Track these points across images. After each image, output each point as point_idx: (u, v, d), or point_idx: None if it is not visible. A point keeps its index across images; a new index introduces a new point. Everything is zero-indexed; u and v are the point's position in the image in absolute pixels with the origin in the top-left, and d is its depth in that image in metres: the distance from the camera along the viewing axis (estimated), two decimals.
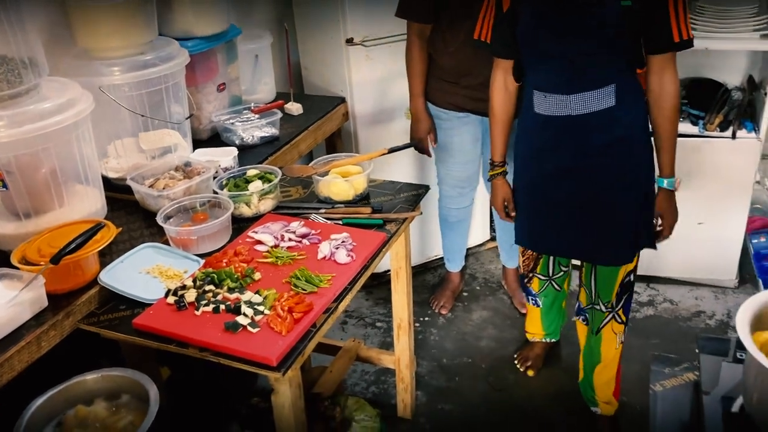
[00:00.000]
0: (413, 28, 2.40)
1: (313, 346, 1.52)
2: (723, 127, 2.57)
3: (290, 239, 1.76)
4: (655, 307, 2.80)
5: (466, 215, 2.80)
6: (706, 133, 2.58)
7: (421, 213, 2.03)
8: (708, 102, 2.62)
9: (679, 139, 1.84)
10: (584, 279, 2.12)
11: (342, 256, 1.69)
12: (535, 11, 1.74)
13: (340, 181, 1.97)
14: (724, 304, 2.77)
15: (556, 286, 2.30)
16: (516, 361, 2.54)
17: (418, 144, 2.57)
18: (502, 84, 1.94)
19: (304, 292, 1.56)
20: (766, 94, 2.51)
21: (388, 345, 2.67)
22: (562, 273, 2.27)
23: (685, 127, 2.58)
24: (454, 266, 2.94)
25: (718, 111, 2.59)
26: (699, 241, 2.72)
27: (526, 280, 2.33)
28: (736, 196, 2.64)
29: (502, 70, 1.94)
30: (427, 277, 3.13)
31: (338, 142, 2.76)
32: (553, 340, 2.51)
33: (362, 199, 2.00)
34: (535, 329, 2.48)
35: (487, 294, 2.99)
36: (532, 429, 2.29)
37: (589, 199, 1.86)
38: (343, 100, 2.70)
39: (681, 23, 1.68)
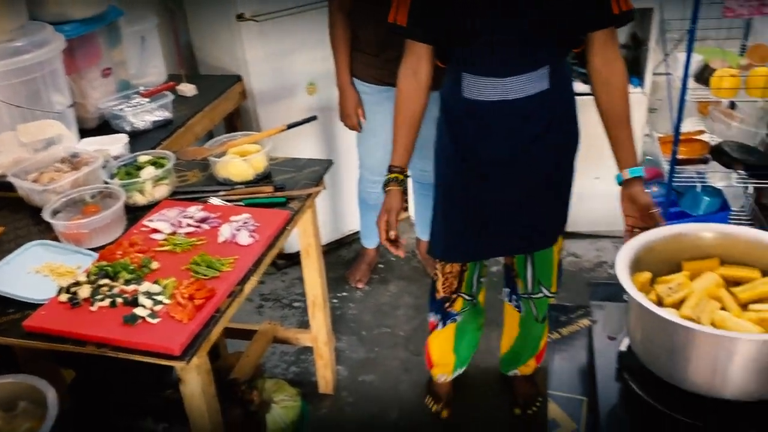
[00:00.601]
0: (334, 2, 2.36)
1: (218, 331, 1.48)
2: None
3: (188, 225, 1.70)
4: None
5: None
6: None
7: (325, 188, 2.01)
8: None
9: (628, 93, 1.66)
10: (519, 270, 2.00)
11: (244, 238, 1.65)
12: None
13: (238, 161, 1.92)
14: None
15: (475, 301, 2.10)
16: (428, 403, 2.28)
17: (346, 120, 2.53)
18: (412, 72, 1.68)
19: (205, 277, 1.52)
20: (648, 50, 2.63)
21: (307, 324, 2.63)
22: (480, 285, 2.07)
23: (575, 85, 2.66)
24: (370, 243, 2.94)
25: None
26: (597, 195, 2.84)
27: (447, 304, 2.02)
28: None
29: (414, 56, 1.67)
30: (343, 252, 3.13)
31: (238, 122, 2.69)
32: (463, 368, 2.24)
33: (263, 178, 1.96)
34: (444, 359, 2.17)
35: (402, 264, 3.02)
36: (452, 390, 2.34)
37: (527, 187, 1.73)
38: (239, 78, 2.63)
39: None
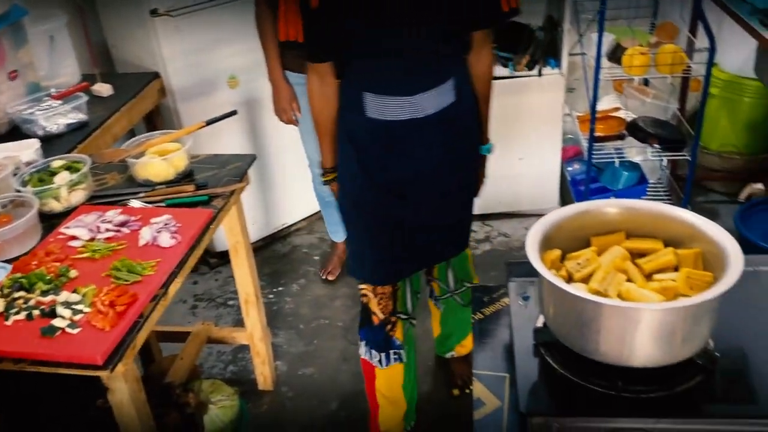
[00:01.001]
0: (260, 4, 2.30)
1: (143, 337, 1.45)
2: (530, 66, 2.74)
3: (107, 230, 1.66)
4: (491, 242, 2.97)
5: None
6: (516, 73, 2.74)
7: (249, 183, 1.99)
8: (515, 44, 2.77)
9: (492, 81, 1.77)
10: (438, 275, 2.01)
11: (165, 240, 1.62)
12: (364, 2, 1.46)
13: (157, 160, 1.88)
14: None
15: (413, 321, 1.93)
16: None
17: (281, 115, 2.46)
18: (320, 90, 1.63)
19: (126, 283, 1.49)
20: (563, 32, 2.70)
21: (243, 322, 2.63)
22: (416, 299, 1.93)
23: (496, 69, 2.72)
24: (337, 236, 2.88)
25: (524, 52, 2.75)
26: (522, 175, 2.91)
27: (389, 327, 1.83)
28: (549, 129, 2.84)
29: (317, 75, 1.61)
30: (277, 247, 3.11)
31: (158, 121, 2.63)
32: (412, 424, 2.07)
33: (185, 177, 1.92)
34: (395, 412, 1.98)
35: None
36: None
37: (441, 198, 1.70)
38: (156, 75, 2.56)
39: None
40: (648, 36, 2.74)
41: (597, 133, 2.63)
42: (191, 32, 2.55)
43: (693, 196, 3.02)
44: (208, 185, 1.87)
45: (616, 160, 2.70)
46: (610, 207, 1.17)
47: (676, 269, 1.11)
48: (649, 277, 1.11)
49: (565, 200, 3.09)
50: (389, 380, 1.92)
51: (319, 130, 1.70)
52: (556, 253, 1.13)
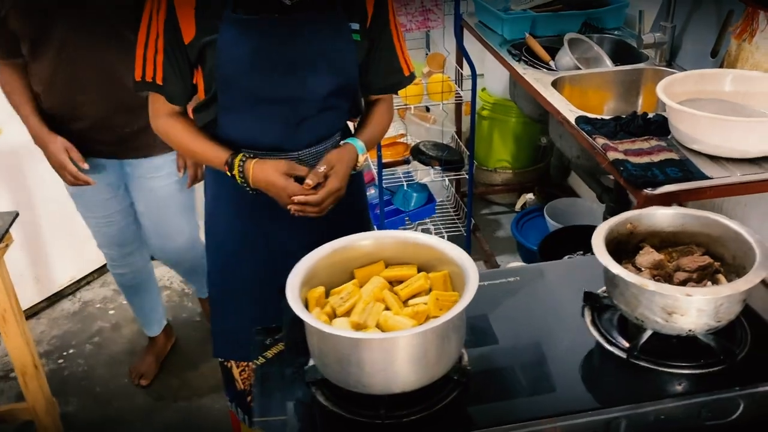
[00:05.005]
0: (2, 65, 2.00)
1: None
2: None
3: None
4: None
5: (148, 274, 2.41)
6: None
7: (12, 242, 1.81)
8: None
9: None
10: None
11: None
12: (245, 43, 1.34)
13: None
14: None
15: None
16: None
17: (62, 174, 2.06)
18: (166, 115, 1.47)
19: None
20: None
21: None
22: None
23: None
24: (152, 330, 2.50)
25: None
26: None
27: (250, 398, 1.72)
28: None
29: (167, 117, 1.47)
30: (65, 305, 2.85)
31: None
32: None
33: None
34: None
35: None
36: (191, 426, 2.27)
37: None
38: None
39: (405, 54, 1.53)
40: (422, 66, 2.93)
41: (385, 159, 2.75)
42: None
43: (476, 209, 3.28)
44: None
45: (405, 184, 2.85)
46: (364, 240, 1.22)
47: (430, 291, 1.18)
48: (406, 302, 1.16)
49: None
50: None
51: (192, 142, 1.46)
52: (320, 290, 1.15)
